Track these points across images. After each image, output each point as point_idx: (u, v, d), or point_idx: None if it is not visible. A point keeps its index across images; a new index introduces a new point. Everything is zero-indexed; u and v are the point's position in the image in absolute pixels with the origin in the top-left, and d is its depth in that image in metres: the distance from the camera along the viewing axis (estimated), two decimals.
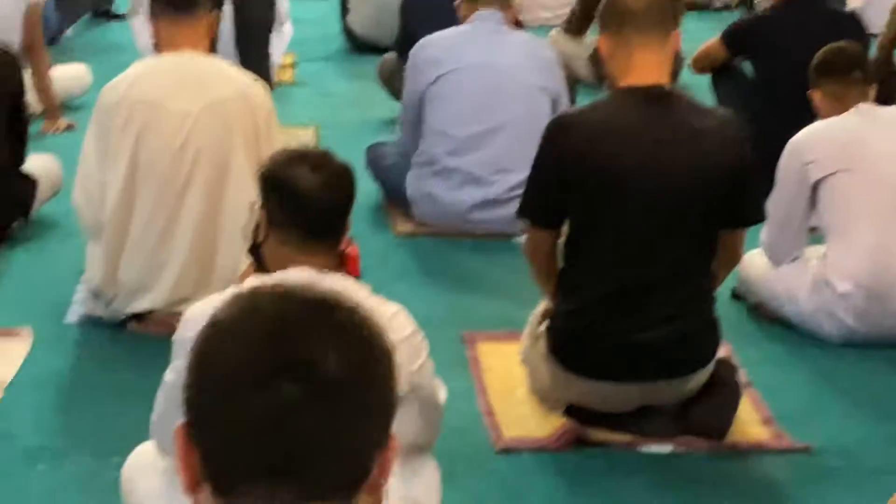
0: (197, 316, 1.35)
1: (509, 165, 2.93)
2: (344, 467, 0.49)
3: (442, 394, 1.51)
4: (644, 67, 1.94)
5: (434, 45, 3.12)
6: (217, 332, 0.50)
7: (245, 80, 2.47)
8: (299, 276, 1.31)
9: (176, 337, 1.40)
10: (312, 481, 0.48)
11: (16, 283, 2.78)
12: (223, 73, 2.46)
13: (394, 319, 1.36)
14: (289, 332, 0.49)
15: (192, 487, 0.50)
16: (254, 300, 0.52)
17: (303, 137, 3.54)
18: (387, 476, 0.52)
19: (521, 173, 2.55)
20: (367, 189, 3.11)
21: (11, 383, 2.20)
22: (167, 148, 2.30)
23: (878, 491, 1.71)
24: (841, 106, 2.54)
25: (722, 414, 2.00)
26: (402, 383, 0.98)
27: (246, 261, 1.67)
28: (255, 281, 1.22)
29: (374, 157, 3.30)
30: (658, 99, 1.97)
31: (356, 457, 0.49)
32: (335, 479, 0.48)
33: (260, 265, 1.52)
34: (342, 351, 0.48)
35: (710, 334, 1.99)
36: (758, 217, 2.14)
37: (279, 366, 0.47)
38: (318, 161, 1.49)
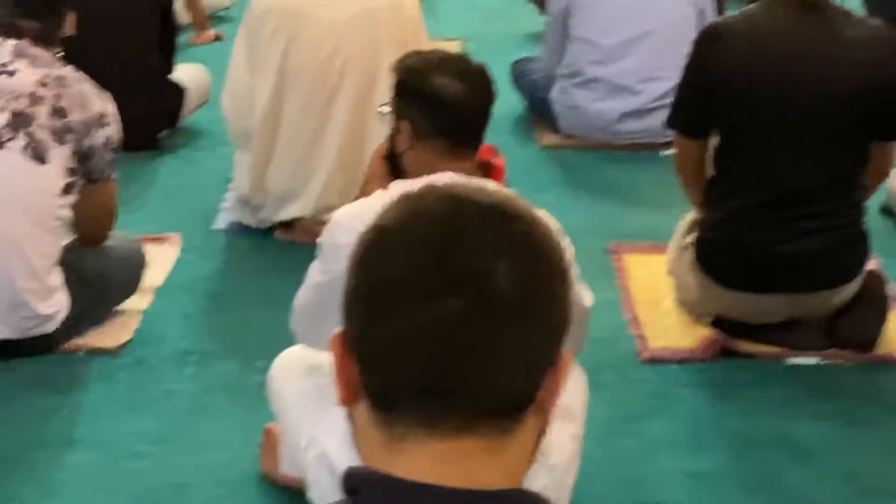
0: (343, 220, 1.37)
1: (656, 74, 2.88)
2: (511, 386, 0.45)
3: (588, 298, 1.45)
4: None
5: None
6: (381, 239, 0.47)
7: None
8: (449, 179, 1.23)
9: (323, 240, 1.41)
10: (477, 400, 0.44)
11: (165, 190, 2.81)
12: None
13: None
14: (460, 242, 0.45)
15: (348, 400, 0.47)
16: (421, 203, 0.47)
17: (450, 50, 3.55)
18: (556, 398, 0.49)
19: (669, 82, 2.54)
20: (511, 102, 3.14)
21: (161, 288, 2.23)
22: (315, 57, 2.30)
23: None
24: None
25: (870, 326, 1.95)
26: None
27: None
28: (405, 185, 1.14)
29: (520, 72, 3.31)
30: (811, 8, 1.89)
31: (524, 376, 0.45)
32: (501, 398, 0.45)
33: (397, 174, 1.50)
34: (515, 264, 0.44)
35: (858, 247, 1.94)
36: None
37: (448, 277, 0.44)
38: (458, 67, 1.48)
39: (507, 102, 2.86)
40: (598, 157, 3.05)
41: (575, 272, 1.39)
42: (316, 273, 1.44)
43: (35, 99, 1.83)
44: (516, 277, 0.44)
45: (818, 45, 1.88)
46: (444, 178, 1.22)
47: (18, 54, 1.87)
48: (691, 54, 1.97)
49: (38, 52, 1.89)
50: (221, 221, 2.60)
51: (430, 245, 0.45)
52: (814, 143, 1.88)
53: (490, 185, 1.22)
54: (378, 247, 0.47)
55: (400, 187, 0.90)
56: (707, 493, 1.63)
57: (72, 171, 1.88)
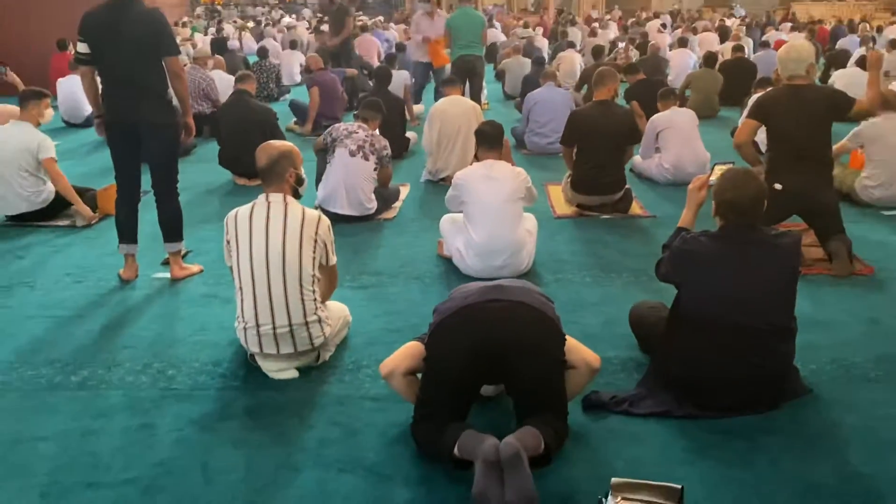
0: (458, 174, 4.96)
1: (556, 132, 7.23)
2: None
3: (535, 191, 5.18)
4: None
5: None
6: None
7: None
8: (489, 161, 4.94)
9: (454, 180, 4.72)
10: None
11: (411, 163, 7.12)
12: None
13: (522, 172, 5.20)
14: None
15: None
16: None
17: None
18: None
19: (557, 133, 6.88)
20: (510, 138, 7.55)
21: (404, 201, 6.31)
22: (450, 124, 6.68)
23: None
24: None
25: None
26: (524, 188, 4.87)
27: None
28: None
29: (514, 128, 7.80)
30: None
31: None
32: None
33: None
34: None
35: None
36: None
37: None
38: (492, 124, 5.63)
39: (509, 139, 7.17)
40: (540, 161, 7.38)
41: (533, 189, 5.52)
42: (451, 189, 4.67)
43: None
44: None
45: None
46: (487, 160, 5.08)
47: None
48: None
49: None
50: (423, 178, 6.88)
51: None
52: None
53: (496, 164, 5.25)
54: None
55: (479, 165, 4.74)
56: None
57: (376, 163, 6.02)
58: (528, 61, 11.82)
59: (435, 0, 9.90)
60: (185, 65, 10.26)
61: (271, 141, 3.43)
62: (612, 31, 18.78)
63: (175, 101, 4.36)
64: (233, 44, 15.60)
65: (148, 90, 4.20)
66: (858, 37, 13.58)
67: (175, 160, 4.51)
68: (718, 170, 3.24)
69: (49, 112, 5.79)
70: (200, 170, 7.29)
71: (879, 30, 16.15)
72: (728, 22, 19.65)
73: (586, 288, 4.38)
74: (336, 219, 5.08)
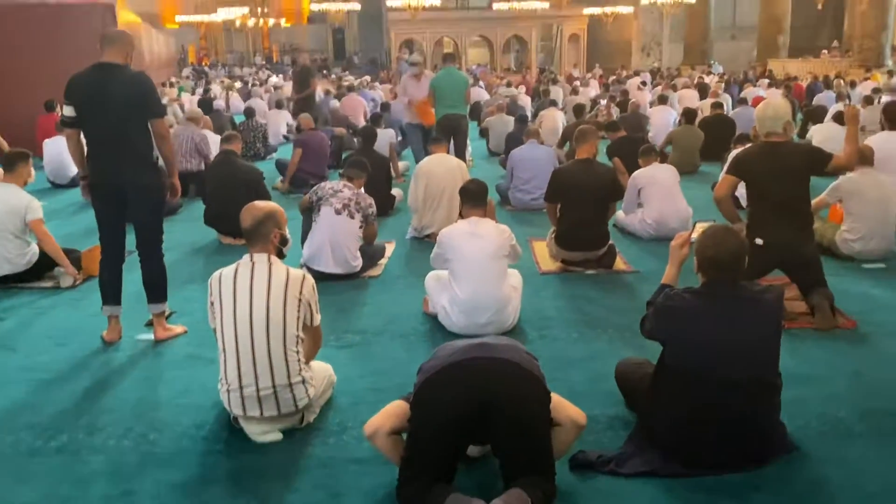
0: (442, 232, 5.21)
1: (539, 189, 7.31)
2: None
3: (519, 248, 5.10)
4: None
5: None
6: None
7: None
8: (474, 218, 5.07)
9: (438, 237, 4.74)
10: None
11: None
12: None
13: (506, 229, 5.35)
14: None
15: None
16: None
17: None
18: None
19: (541, 189, 6.94)
20: (494, 195, 7.61)
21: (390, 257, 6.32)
22: (435, 184, 6.73)
23: None
24: None
25: None
26: (508, 245, 4.92)
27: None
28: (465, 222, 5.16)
29: (499, 184, 7.87)
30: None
31: None
32: None
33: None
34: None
35: None
36: None
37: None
38: (476, 182, 5.69)
39: (493, 195, 7.24)
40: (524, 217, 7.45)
41: (517, 246, 5.55)
42: (435, 248, 4.71)
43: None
44: None
45: None
46: (473, 218, 5.19)
47: None
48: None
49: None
50: (408, 234, 6.90)
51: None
52: None
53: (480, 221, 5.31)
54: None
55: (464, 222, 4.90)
56: None
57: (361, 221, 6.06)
58: (511, 119, 12.02)
59: (422, 63, 10.08)
60: (171, 126, 10.38)
61: (256, 202, 3.45)
62: (594, 89, 19.13)
63: (161, 162, 4.39)
64: (219, 104, 15.75)
65: (134, 152, 4.23)
66: (834, 92, 13.88)
67: (160, 220, 4.52)
68: (699, 227, 3.28)
69: (33, 172, 5.82)
70: (186, 228, 7.30)
71: (853, 84, 16.52)
72: (707, 79, 20.06)
73: (572, 344, 4.38)
74: (321, 277, 5.07)
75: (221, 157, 7.00)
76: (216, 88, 20.27)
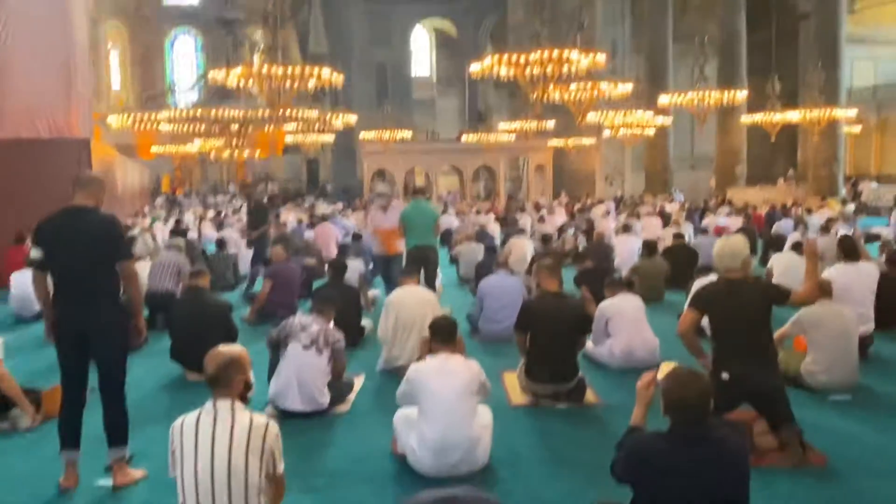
0: (410, 368, 5.05)
1: (507, 318, 7.36)
2: None
3: (489, 385, 5.18)
4: None
5: None
6: None
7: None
8: (443, 355, 4.92)
9: (407, 374, 4.80)
10: None
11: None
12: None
13: (475, 365, 5.39)
14: None
15: None
16: None
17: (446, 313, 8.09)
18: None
19: (511, 320, 6.98)
20: (465, 327, 7.63)
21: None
22: (407, 315, 6.68)
23: None
24: None
25: None
26: (478, 381, 4.91)
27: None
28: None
29: (469, 315, 7.90)
30: None
31: None
32: None
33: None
34: None
35: None
36: None
37: None
38: (446, 319, 5.56)
39: (464, 327, 7.25)
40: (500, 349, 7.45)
41: (487, 382, 5.50)
42: (402, 384, 4.65)
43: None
44: None
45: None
46: (442, 355, 4.95)
47: None
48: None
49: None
50: (378, 367, 6.82)
51: None
52: None
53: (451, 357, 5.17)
54: None
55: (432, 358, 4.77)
56: None
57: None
58: (481, 247, 12.22)
59: (389, 194, 10.31)
60: (139, 258, 10.38)
61: (220, 347, 3.44)
62: (560, 217, 19.57)
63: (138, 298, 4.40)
64: (191, 235, 15.84)
65: (100, 295, 4.24)
66: (792, 221, 14.35)
67: (124, 362, 4.47)
68: (665, 367, 3.31)
69: None
70: (152, 364, 7.19)
71: (810, 211, 17.09)
72: (668, 207, 20.67)
73: (545, 484, 4.31)
74: (288, 415, 4.99)
75: (189, 293, 6.99)
76: (189, 218, 20.45)
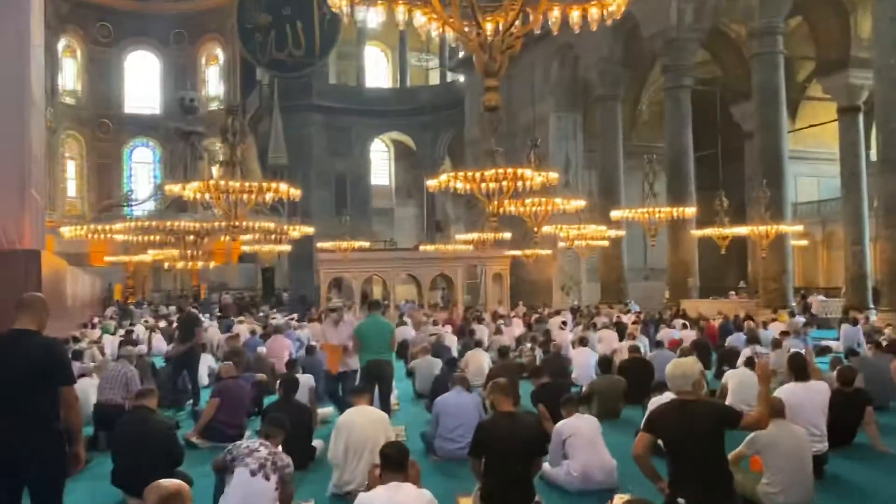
0: (361, 495, 5.05)
1: (466, 434, 7.21)
2: None
3: None
4: None
5: None
6: None
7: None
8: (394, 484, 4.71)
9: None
10: None
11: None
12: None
13: (428, 495, 4.99)
14: None
15: None
16: None
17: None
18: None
19: (467, 438, 6.86)
20: (420, 447, 7.44)
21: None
22: (358, 439, 6.48)
23: None
24: None
25: None
26: None
27: None
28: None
29: (423, 434, 7.73)
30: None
31: None
32: None
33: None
34: None
35: None
36: None
37: None
38: (397, 445, 5.43)
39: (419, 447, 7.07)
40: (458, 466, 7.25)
41: None
42: None
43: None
44: None
45: None
46: (393, 484, 4.65)
47: None
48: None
49: None
50: (329, 491, 6.59)
51: None
52: None
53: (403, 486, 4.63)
54: None
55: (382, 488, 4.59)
56: None
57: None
58: (438, 362, 12.10)
59: (342, 308, 10.21)
60: (83, 375, 10.07)
61: (161, 480, 3.30)
62: (517, 328, 19.60)
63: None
64: (141, 348, 15.45)
65: (37, 420, 4.08)
66: (745, 335, 14.54)
67: (59, 491, 4.26)
68: (619, 499, 3.24)
69: None
70: (91, 489, 6.87)
71: (766, 325, 17.35)
72: (624, 318, 20.85)
73: None
74: None
75: (134, 414, 6.75)
76: (139, 329, 20.03)
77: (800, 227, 24.69)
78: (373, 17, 5.94)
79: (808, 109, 33.05)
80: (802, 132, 32.19)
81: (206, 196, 12.91)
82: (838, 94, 26.99)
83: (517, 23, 5.45)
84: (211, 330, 19.22)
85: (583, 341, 13.84)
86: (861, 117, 26.64)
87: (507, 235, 25.04)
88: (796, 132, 31.34)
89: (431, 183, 12.54)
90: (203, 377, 13.19)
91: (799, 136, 31.95)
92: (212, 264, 27.06)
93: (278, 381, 9.23)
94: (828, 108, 29.14)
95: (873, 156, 25.94)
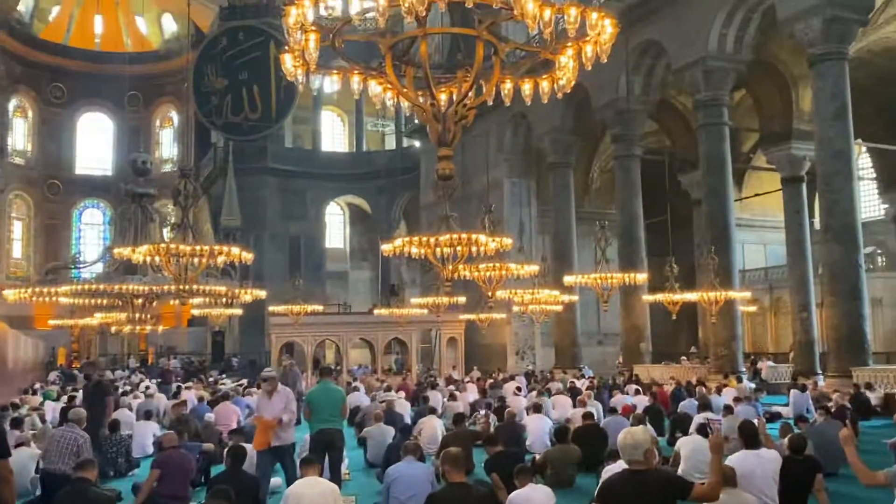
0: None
1: None
2: None
3: None
4: None
5: None
6: None
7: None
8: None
9: None
10: None
11: None
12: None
13: None
14: None
15: None
16: None
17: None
18: None
19: None
20: None
21: None
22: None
23: None
24: None
25: None
26: None
27: None
28: None
29: None
30: None
31: None
32: None
33: None
34: None
35: None
36: None
37: None
38: None
39: None
40: None
41: None
42: None
43: None
44: None
45: None
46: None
47: None
48: None
49: None
50: None
51: None
52: None
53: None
54: None
55: None
56: None
57: None
58: (390, 429, 11.92)
59: (275, 378, 9.51)
60: (23, 443, 9.70)
61: None
62: (472, 394, 19.46)
63: None
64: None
65: None
66: (696, 401, 14.62)
67: None
68: None
69: None
70: None
71: (720, 391, 17.48)
72: (578, 383, 20.86)
73: None
74: None
75: (73, 486, 6.48)
76: (83, 395, 19.40)
77: (748, 294, 25.15)
78: (328, 85, 5.98)
79: (754, 179, 34.09)
80: (749, 201, 33.12)
81: (156, 259, 12.68)
82: (782, 164, 27.90)
83: (471, 94, 5.54)
84: (157, 395, 18.75)
85: (537, 408, 13.77)
86: (804, 187, 27.51)
87: (462, 300, 25.05)
88: (743, 201, 32.23)
89: (386, 248, 12.50)
90: (148, 446, 12.79)
91: (745, 205, 32.88)
92: (160, 328, 26.50)
93: (225, 451, 8.97)
94: (773, 177, 30.07)
95: (817, 224, 26.74)
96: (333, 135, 50.50)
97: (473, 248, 12.82)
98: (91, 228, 51.97)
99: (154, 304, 20.67)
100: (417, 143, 42.19)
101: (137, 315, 19.83)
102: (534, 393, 18.16)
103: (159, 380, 25.44)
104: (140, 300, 19.42)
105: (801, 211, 27.23)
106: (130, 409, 15.81)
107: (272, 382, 9.18)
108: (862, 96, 25.61)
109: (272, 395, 9.02)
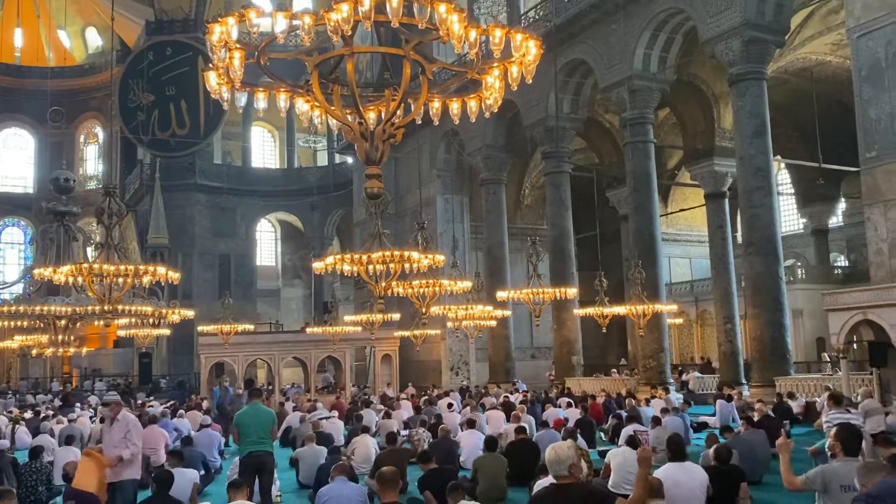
0: None
1: None
2: None
3: None
4: None
5: None
6: None
7: None
8: None
9: None
10: None
11: None
12: None
13: None
14: None
15: None
16: None
17: None
18: None
19: None
20: None
21: None
22: None
23: None
24: None
25: None
26: None
27: None
28: None
29: None
30: None
31: None
32: None
33: None
34: None
35: None
36: None
37: None
38: None
39: None
40: None
41: None
42: None
43: None
44: None
45: None
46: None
47: None
48: None
49: None
50: None
51: None
52: None
53: None
54: None
55: None
56: None
57: None
58: (322, 450, 11.79)
59: (118, 401, 8.73)
60: None
61: None
62: (406, 411, 19.39)
63: None
64: (3, 443, 14.36)
65: None
66: (626, 413, 14.86)
67: None
68: None
69: None
70: None
71: (648, 402, 17.80)
72: (512, 397, 20.99)
73: None
74: None
75: None
76: (2, 421, 18.66)
77: (674, 307, 25.76)
78: (257, 102, 5.92)
79: (679, 194, 35.01)
80: (674, 216, 34.00)
81: (79, 280, 12.30)
82: (705, 180, 28.73)
83: (399, 112, 5.55)
84: (81, 420, 18.15)
85: (471, 423, 13.80)
86: (727, 202, 28.36)
87: (396, 316, 25.01)
88: (668, 216, 33.07)
89: (318, 266, 12.39)
90: (69, 473, 12.33)
91: (671, 220, 33.74)
92: (84, 350, 25.68)
93: (152, 477, 8.72)
94: (697, 193, 30.94)
95: (740, 238, 27.58)
96: (264, 151, 49.99)
97: (406, 265, 12.83)
98: (11, 248, 50.21)
99: (78, 325, 20.00)
100: (350, 160, 42.06)
101: (60, 337, 19.15)
102: (468, 409, 18.20)
103: (60, 402, 24.62)
104: (63, 321, 18.77)
105: (724, 225, 28.05)
106: (52, 435, 15.28)
107: (114, 406, 8.34)
108: (780, 115, 26.69)
109: (112, 423, 8.15)
